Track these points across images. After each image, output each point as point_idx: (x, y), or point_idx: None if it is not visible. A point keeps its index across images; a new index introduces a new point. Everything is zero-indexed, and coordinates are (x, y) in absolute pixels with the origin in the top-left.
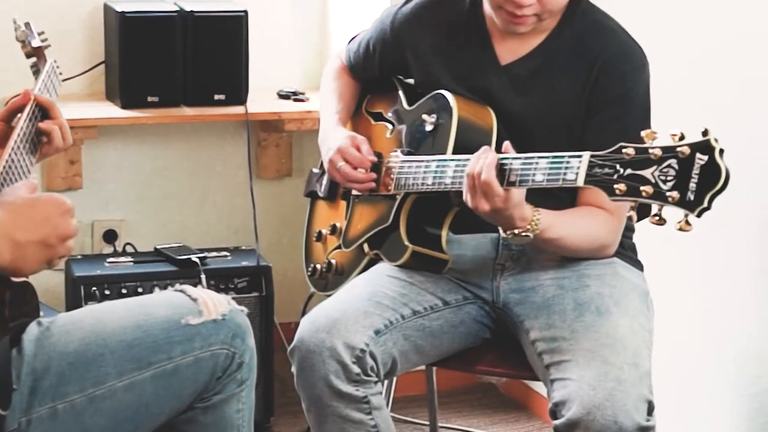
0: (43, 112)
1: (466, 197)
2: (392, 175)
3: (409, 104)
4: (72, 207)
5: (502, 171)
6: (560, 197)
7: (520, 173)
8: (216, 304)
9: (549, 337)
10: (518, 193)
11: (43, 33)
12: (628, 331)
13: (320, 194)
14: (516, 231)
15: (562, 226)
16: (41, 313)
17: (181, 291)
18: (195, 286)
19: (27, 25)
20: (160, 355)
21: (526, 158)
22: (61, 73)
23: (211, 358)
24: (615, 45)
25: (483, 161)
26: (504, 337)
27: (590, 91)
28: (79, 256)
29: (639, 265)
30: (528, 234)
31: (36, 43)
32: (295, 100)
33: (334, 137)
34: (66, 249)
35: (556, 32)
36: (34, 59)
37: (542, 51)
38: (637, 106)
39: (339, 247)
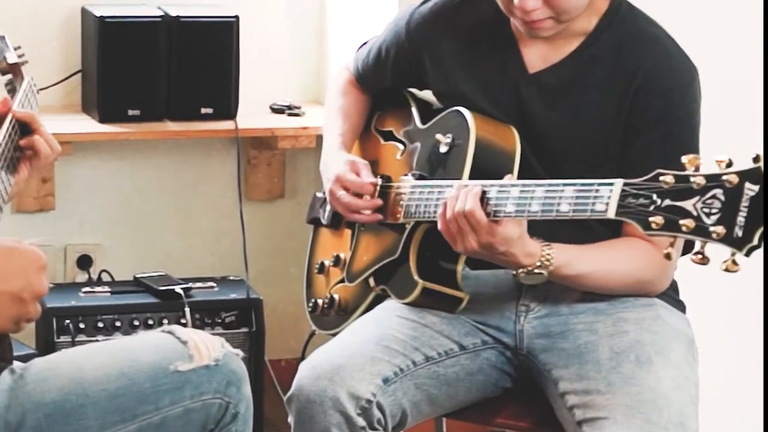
0: (23, 127)
1: (451, 241)
2: (402, 202)
3: (423, 122)
4: (46, 263)
5: (484, 201)
6: (594, 228)
7: (518, 203)
8: (209, 348)
9: (581, 389)
10: (511, 227)
11: (19, 48)
12: (673, 385)
13: (323, 221)
14: (526, 269)
15: (583, 261)
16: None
17: (170, 332)
18: (178, 320)
19: (1, 39)
20: (147, 406)
21: (524, 186)
22: (38, 92)
23: (202, 408)
24: (658, 57)
25: (463, 196)
26: (527, 386)
27: (629, 110)
28: (51, 285)
29: (681, 306)
30: (541, 272)
31: (12, 58)
32: (290, 114)
33: (335, 164)
34: (35, 310)
35: (593, 38)
36: (9, 76)
37: (576, 59)
38: (684, 129)
39: (342, 280)
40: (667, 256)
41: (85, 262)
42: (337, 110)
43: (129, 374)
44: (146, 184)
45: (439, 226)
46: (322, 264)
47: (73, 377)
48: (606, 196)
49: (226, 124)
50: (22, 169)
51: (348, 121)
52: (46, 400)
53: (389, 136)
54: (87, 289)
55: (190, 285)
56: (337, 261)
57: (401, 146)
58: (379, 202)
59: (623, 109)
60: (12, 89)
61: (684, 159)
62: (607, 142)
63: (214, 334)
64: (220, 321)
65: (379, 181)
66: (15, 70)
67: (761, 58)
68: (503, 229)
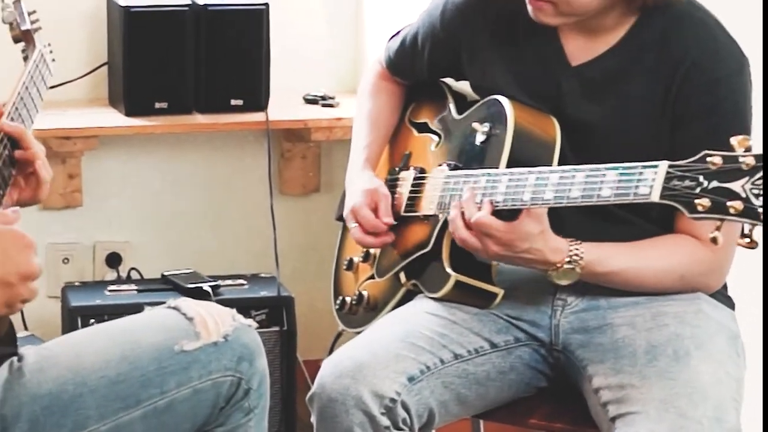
0: (13, 141)
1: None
2: (435, 193)
3: (459, 113)
4: (34, 242)
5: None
6: (635, 222)
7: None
8: (218, 322)
9: (615, 384)
10: (529, 222)
11: (34, 12)
12: (712, 380)
13: None
14: (557, 266)
15: (618, 257)
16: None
17: (176, 308)
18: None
19: (16, 3)
20: (151, 390)
21: (563, 172)
22: (53, 59)
23: (212, 387)
24: (705, 44)
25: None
26: (563, 385)
27: (674, 100)
28: (77, 283)
29: (729, 302)
30: (572, 267)
31: (26, 25)
32: (324, 105)
33: (355, 188)
34: (29, 291)
35: (637, 28)
36: (23, 44)
37: (620, 50)
38: (732, 121)
39: (372, 276)
40: (713, 240)
41: (113, 260)
42: (366, 115)
43: (130, 358)
44: (176, 180)
45: (457, 239)
46: (351, 261)
47: (71, 366)
48: (650, 178)
49: (257, 116)
50: (6, 198)
51: (376, 130)
52: (43, 391)
53: (424, 128)
54: (113, 287)
55: (218, 283)
56: (366, 257)
57: (436, 138)
58: (388, 240)
59: (669, 99)
60: (26, 57)
61: (733, 140)
62: (652, 135)
63: None
64: (256, 324)
65: (391, 221)
66: (27, 37)
67: (761, 58)
68: (520, 225)
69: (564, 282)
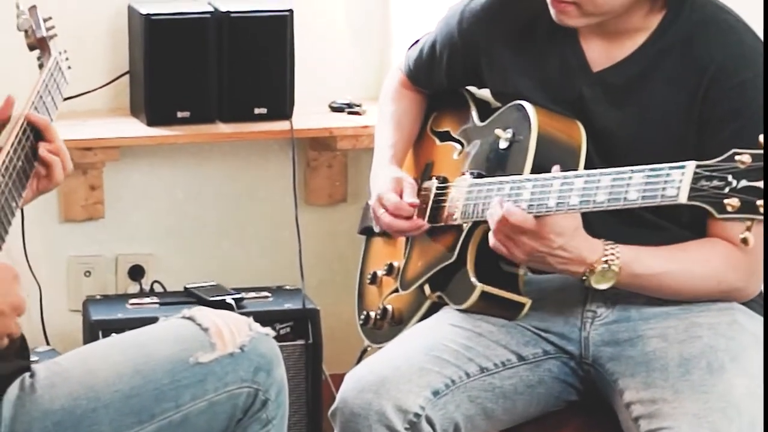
0: (36, 132)
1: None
2: (458, 202)
3: (482, 120)
4: (19, 274)
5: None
6: (667, 228)
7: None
8: (234, 332)
9: (647, 398)
10: (562, 218)
11: (50, 19)
12: (746, 393)
13: (376, 230)
14: (594, 267)
15: (655, 259)
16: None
17: (191, 318)
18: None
19: (32, 10)
20: (165, 404)
21: (589, 176)
22: (69, 67)
23: (228, 399)
24: (731, 46)
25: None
26: (593, 399)
27: (701, 104)
28: (98, 296)
29: (765, 311)
30: (611, 267)
31: (42, 33)
32: (350, 113)
33: (381, 180)
34: (16, 326)
35: (660, 32)
36: (38, 51)
37: (643, 55)
38: (762, 121)
39: (396, 290)
40: (744, 241)
41: (136, 272)
42: (389, 118)
43: (144, 371)
44: (199, 190)
45: (491, 242)
46: (375, 274)
47: (84, 380)
48: (677, 179)
49: (281, 125)
50: (27, 188)
51: (399, 131)
52: (55, 407)
53: (446, 137)
54: (135, 300)
55: (242, 295)
56: (390, 270)
57: (458, 146)
58: (420, 223)
59: (695, 103)
60: (42, 65)
61: (762, 138)
62: (678, 140)
63: None
64: (274, 332)
65: (416, 201)
66: (43, 44)
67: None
68: (553, 221)
69: (602, 285)
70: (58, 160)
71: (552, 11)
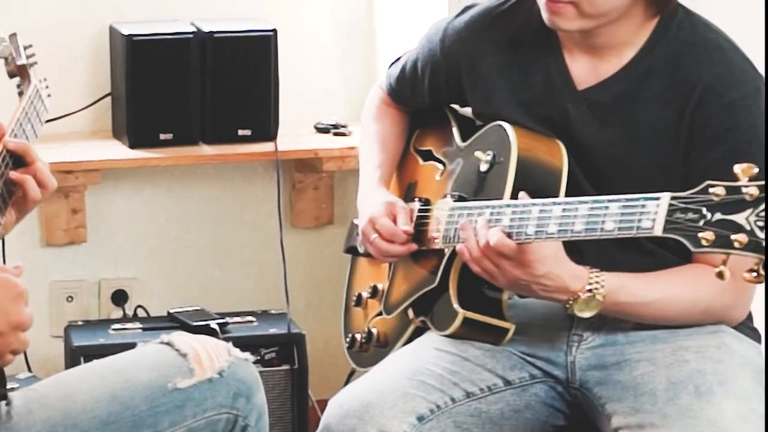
0: (16, 157)
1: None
2: (440, 226)
3: (464, 140)
4: (26, 291)
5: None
6: (654, 252)
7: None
8: (213, 357)
9: (635, 424)
10: (543, 244)
11: (30, 47)
12: (735, 418)
13: (360, 251)
14: (578, 296)
15: (639, 287)
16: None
17: (169, 344)
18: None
19: (12, 37)
20: (144, 430)
21: (566, 204)
22: (49, 95)
23: (207, 425)
24: (719, 66)
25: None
26: (581, 424)
27: (688, 125)
28: (80, 322)
29: (755, 335)
30: (593, 296)
31: (22, 60)
32: (336, 134)
33: (371, 203)
34: (20, 342)
35: (647, 49)
36: (18, 79)
37: (629, 73)
38: (749, 144)
39: (381, 313)
40: (719, 275)
41: (120, 297)
42: (373, 137)
43: (122, 397)
44: (183, 214)
45: (473, 268)
46: (360, 296)
47: (61, 406)
48: (653, 211)
49: (266, 146)
50: (10, 210)
51: (385, 150)
52: None
53: (428, 156)
54: (117, 326)
55: (227, 320)
56: (374, 292)
57: (441, 166)
58: (413, 247)
59: (683, 123)
60: (21, 93)
61: (737, 168)
62: (664, 160)
63: None
64: (259, 358)
65: (411, 229)
66: (23, 72)
67: (762, 62)
68: (533, 248)
69: (585, 314)
70: (29, 177)
71: (545, 15)
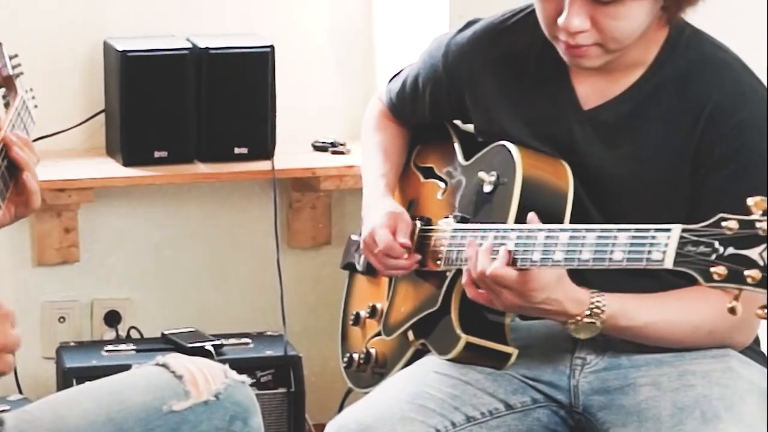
0: (9, 161)
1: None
2: (442, 248)
3: (467, 158)
4: (12, 313)
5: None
6: (659, 275)
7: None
8: (208, 380)
9: None
10: (545, 270)
11: (15, 57)
12: None
13: (358, 268)
14: (576, 320)
15: (641, 310)
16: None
17: (164, 365)
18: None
19: None
20: None
21: (574, 231)
22: (36, 106)
23: None
24: (729, 85)
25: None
26: None
27: (697, 145)
28: (72, 343)
29: (761, 359)
30: (593, 321)
31: (7, 71)
32: (334, 152)
33: (375, 212)
34: (5, 364)
35: (654, 69)
36: (4, 90)
37: (636, 92)
38: (760, 166)
39: (379, 333)
40: (731, 311)
41: (113, 318)
42: (375, 148)
43: (116, 420)
44: (177, 233)
45: (468, 293)
46: (358, 315)
47: (54, 429)
48: (663, 243)
49: (263, 165)
50: (4, 212)
51: (389, 161)
52: None
53: (430, 173)
54: (110, 347)
55: (222, 342)
56: (373, 312)
57: (442, 184)
58: (417, 257)
59: (691, 143)
60: (8, 104)
61: (750, 201)
62: (672, 182)
63: None
64: (255, 381)
65: (408, 242)
66: (9, 83)
67: (764, 66)
68: (536, 275)
69: (583, 336)
70: (38, 188)
71: (565, 57)
